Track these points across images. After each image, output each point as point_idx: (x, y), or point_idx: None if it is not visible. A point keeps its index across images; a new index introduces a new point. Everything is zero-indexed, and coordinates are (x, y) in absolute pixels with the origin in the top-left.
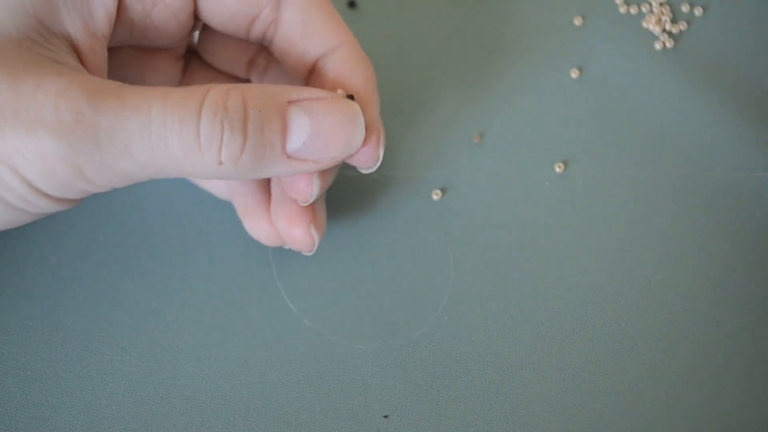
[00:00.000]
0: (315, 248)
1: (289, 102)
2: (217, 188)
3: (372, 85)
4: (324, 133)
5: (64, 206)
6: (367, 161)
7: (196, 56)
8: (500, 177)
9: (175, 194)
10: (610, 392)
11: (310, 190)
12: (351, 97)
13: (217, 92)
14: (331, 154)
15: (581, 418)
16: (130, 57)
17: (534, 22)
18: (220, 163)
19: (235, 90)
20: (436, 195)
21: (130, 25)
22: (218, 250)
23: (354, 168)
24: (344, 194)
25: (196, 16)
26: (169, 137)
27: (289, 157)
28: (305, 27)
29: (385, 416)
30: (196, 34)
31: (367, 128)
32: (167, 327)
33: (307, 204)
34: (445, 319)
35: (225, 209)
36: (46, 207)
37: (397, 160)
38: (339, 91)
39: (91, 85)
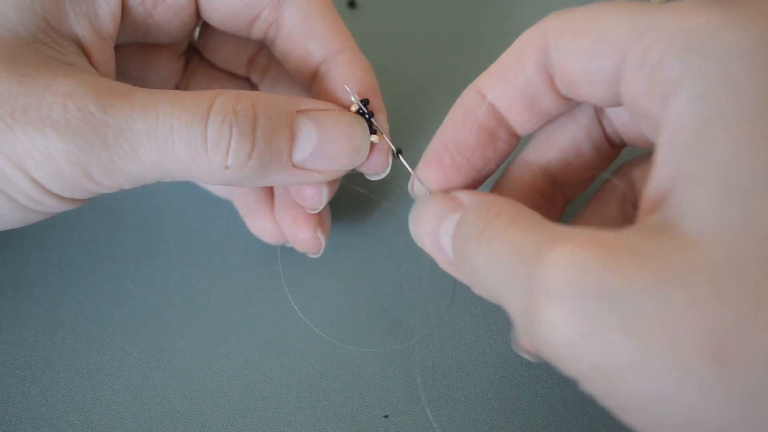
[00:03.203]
0: (322, 250)
1: (297, 111)
2: (217, 188)
3: (378, 93)
4: (331, 145)
5: (72, 206)
6: (377, 168)
7: (197, 54)
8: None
9: (175, 194)
10: None
11: (318, 197)
12: (366, 101)
13: (226, 97)
14: (336, 166)
15: (581, 418)
16: (133, 53)
17: (534, 22)
18: (227, 167)
19: (244, 96)
20: None
21: (133, 24)
22: (218, 250)
23: (357, 172)
24: (345, 195)
25: (197, 15)
26: (176, 140)
27: (294, 166)
28: (307, 30)
29: (385, 416)
30: (197, 30)
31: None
32: (167, 327)
33: (316, 212)
34: (445, 319)
35: (225, 209)
36: (54, 206)
37: (397, 161)
38: (353, 95)
39: (100, 86)
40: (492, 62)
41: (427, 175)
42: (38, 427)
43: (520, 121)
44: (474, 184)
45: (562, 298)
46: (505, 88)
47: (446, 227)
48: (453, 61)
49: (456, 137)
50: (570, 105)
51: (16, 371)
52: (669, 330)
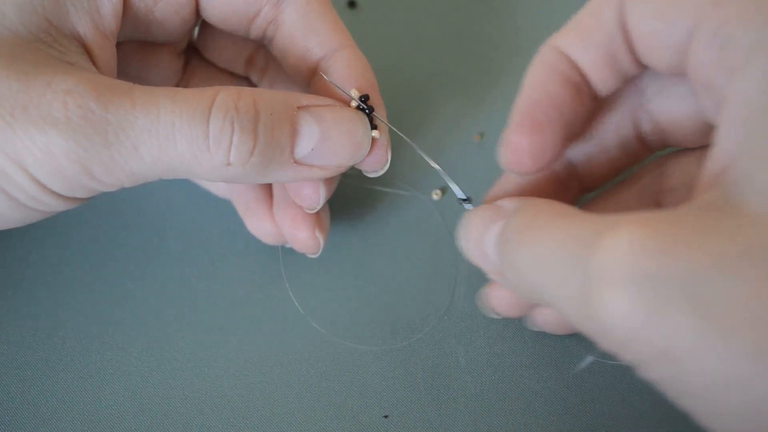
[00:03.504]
0: (320, 251)
1: (298, 107)
2: (217, 187)
3: (377, 90)
4: (332, 140)
5: (73, 204)
6: (376, 165)
7: (196, 53)
8: (500, 176)
9: (175, 194)
10: (611, 392)
11: (316, 197)
12: (366, 97)
13: (227, 94)
14: (338, 162)
15: (581, 418)
16: (133, 52)
17: (533, 22)
18: (229, 163)
19: (245, 92)
20: (436, 195)
21: (134, 21)
22: (218, 249)
23: (355, 169)
24: (346, 195)
25: (197, 13)
26: (178, 137)
27: (296, 162)
28: (306, 28)
29: (385, 416)
30: (196, 29)
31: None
32: (167, 327)
33: (314, 211)
34: (445, 319)
35: (225, 209)
36: (55, 205)
37: (397, 161)
38: (353, 91)
39: (101, 83)
40: (491, 62)
41: (520, 140)
42: (38, 427)
43: (601, 79)
44: (561, 149)
45: (625, 284)
46: (585, 44)
47: (491, 234)
48: (453, 61)
49: (543, 93)
50: (642, 70)
51: (16, 371)
52: (742, 311)
